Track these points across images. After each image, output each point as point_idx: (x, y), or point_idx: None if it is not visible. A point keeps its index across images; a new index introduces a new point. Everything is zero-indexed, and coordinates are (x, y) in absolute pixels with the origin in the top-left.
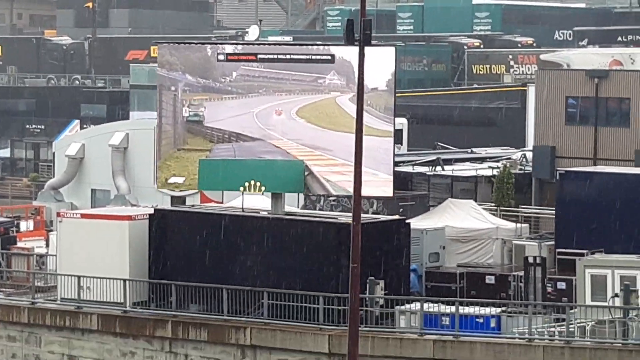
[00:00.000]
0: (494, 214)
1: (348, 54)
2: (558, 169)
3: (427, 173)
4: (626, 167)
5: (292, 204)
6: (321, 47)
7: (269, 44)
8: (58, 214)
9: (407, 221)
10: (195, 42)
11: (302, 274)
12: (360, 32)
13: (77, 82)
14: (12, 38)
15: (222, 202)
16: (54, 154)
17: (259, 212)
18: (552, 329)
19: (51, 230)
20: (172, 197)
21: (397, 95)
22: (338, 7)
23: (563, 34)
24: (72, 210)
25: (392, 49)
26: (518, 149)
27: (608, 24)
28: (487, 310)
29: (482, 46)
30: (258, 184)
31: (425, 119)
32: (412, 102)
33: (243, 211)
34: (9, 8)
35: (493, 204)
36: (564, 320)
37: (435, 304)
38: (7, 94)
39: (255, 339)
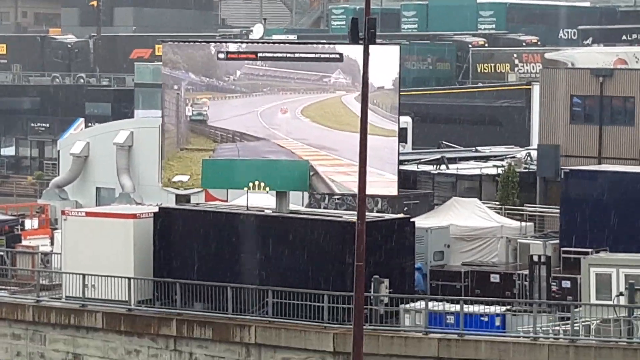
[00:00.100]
0: (498, 213)
1: (354, 52)
2: (563, 167)
3: (432, 172)
4: (631, 165)
5: (297, 202)
6: (328, 46)
7: (274, 43)
8: (63, 212)
9: (411, 220)
10: (200, 40)
11: (307, 273)
12: (365, 30)
13: (82, 80)
14: (17, 36)
15: (226, 201)
16: (58, 152)
17: (263, 211)
18: (557, 328)
19: (56, 229)
20: (177, 196)
21: (401, 93)
22: (342, 5)
23: (568, 32)
24: (77, 209)
25: (397, 47)
26: (523, 148)
27: (613, 23)
28: (492, 309)
29: (486, 45)
30: (262, 184)
31: (430, 118)
32: (416, 100)
33: (248, 209)
34: (14, 6)
35: (498, 203)
36: (568, 319)
37: (440, 303)
38: (12, 92)
39: (260, 338)
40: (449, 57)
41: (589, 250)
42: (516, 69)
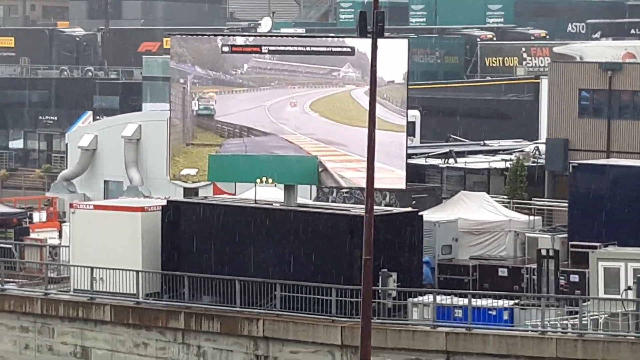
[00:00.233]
0: (506, 207)
1: (364, 46)
2: (571, 161)
3: (440, 165)
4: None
5: (305, 196)
6: (339, 39)
7: (282, 36)
8: (71, 205)
9: (419, 213)
10: (208, 34)
11: (315, 266)
12: (373, 24)
13: (90, 73)
14: (25, 29)
15: (234, 194)
16: (66, 145)
17: (271, 204)
18: (565, 322)
19: (64, 222)
20: (185, 189)
21: (409, 87)
22: None
23: (576, 26)
24: (85, 202)
25: (405, 41)
26: (531, 142)
27: (621, 17)
28: (500, 303)
29: (495, 38)
30: (270, 180)
31: (438, 112)
32: (424, 94)
33: (256, 203)
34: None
35: (506, 197)
36: (576, 313)
37: (448, 296)
38: (20, 86)
39: (268, 331)
40: (458, 51)
41: (597, 244)
42: (524, 62)
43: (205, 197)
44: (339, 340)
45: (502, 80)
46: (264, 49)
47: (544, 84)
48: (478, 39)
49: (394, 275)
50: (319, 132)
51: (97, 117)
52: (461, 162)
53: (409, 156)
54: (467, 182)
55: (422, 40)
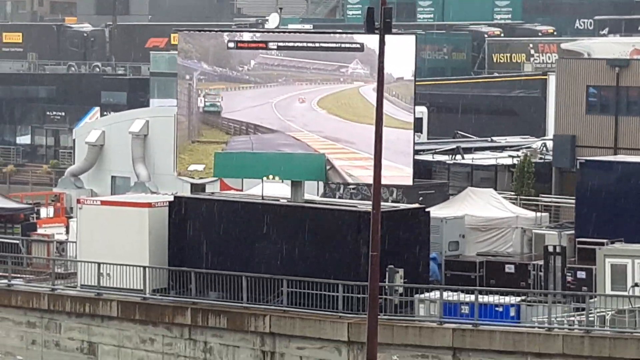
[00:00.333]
0: (513, 203)
1: (373, 42)
2: (578, 158)
3: (447, 162)
4: None
5: (312, 192)
6: (347, 36)
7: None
8: (78, 201)
9: (426, 210)
10: (215, 29)
11: (322, 262)
12: (381, 20)
13: (98, 69)
14: (33, 25)
15: (242, 190)
16: (74, 140)
17: (278, 200)
18: (572, 319)
19: (71, 217)
20: (192, 185)
21: (417, 83)
22: None
23: (584, 22)
24: (92, 197)
25: (413, 37)
26: (538, 138)
27: (629, 13)
28: (507, 299)
29: (502, 35)
30: (277, 178)
31: (446, 108)
32: (432, 90)
33: (263, 199)
34: None
35: (513, 193)
36: (583, 309)
37: (455, 293)
38: (28, 81)
39: (275, 327)
40: (465, 47)
41: (605, 240)
42: (532, 59)
43: (213, 193)
44: (345, 337)
45: (510, 76)
46: (272, 45)
47: (552, 80)
48: (486, 35)
49: (401, 271)
50: (327, 129)
51: (105, 113)
52: (468, 159)
53: (416, 152)
54: (474, 178)
55: (429, 37)
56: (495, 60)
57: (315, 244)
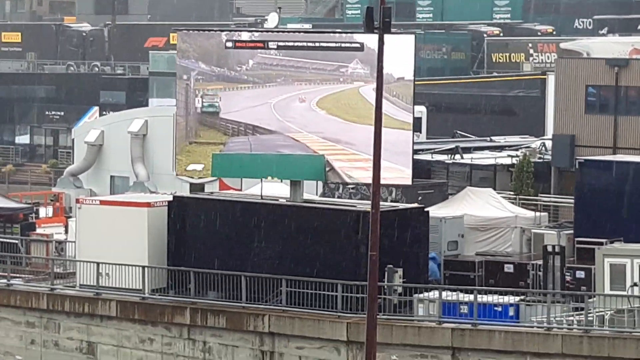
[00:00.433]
0: (513, 203)
1: (373, 42)
2: (577, 157)
3: (446, 161)
4: None
5: (311, 191)
6: (347, 35)
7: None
8: (77, 201)
9: (425, 209)
10: (213, 29)
11: (321, 262)
12: (380, 19)
13: (97, 68)
14: (32, 24)
15: (241, 190)
16: (73, 140)
17: (277, 200)
18: (571, 318)
19: (70, 217)
20: (191, 184)
21: (416, 83)
22: None
23: (583, 22)
24: (91, 197)
25: (412, 36)
26: (537, 138)
27: (628, 13)
28: (506, 299)
29: (501, 34)
30: (275, 179)
31: (445, 107)
32: (431, 90)
33: (262, 198)
34: None
35: (512, 193)
36: (582, 309)
37: (454, 292)
38: (27, 81)
39: (274, 326)
40: (464, 47)
41: (604, 240)
42: (531, 58)
43: (212, 193)
44: (344, 336)
45: (509, 76)
46: (271, 45)
47: (551, 79)
48: (485, 35)
49: (400, 271)
50: (327, 130)
51: (104, 113)
52: (467, 158)
53: (415, 152)
54: (473, 178)
55: (428, 36)
56: (494, 59)
57: (315, 243)
